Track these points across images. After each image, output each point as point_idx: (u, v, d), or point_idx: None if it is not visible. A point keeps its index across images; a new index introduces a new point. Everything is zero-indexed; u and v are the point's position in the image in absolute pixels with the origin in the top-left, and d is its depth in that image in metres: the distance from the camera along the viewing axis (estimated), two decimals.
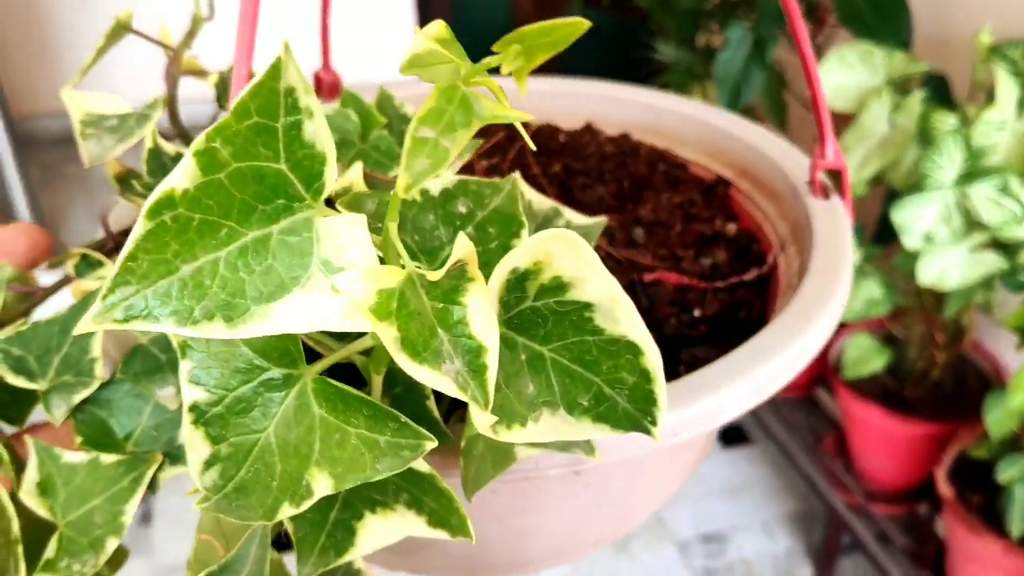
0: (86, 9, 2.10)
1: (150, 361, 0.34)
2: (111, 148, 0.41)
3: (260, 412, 0.23)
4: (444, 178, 0.32)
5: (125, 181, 0.46)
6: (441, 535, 0.26)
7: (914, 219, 0.86)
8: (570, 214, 0.39)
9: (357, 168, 0.37)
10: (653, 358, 0.23)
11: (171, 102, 0.45)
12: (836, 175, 0.44)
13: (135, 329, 0.19)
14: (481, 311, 0.20)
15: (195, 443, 0.23)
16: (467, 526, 0.25)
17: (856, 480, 1.23)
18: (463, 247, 0.21)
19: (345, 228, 0.20)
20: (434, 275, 0.21)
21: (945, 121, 0.82)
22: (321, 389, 0.23)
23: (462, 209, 0.30)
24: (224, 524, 0.34)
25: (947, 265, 0.86)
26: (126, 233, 0.46)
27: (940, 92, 0.92)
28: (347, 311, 0.19)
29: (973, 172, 0.81)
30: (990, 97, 0.84)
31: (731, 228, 0.48)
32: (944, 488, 1.06)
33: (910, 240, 0.86)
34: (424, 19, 1.91)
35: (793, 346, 0.33)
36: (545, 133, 0.56)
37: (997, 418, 0.92)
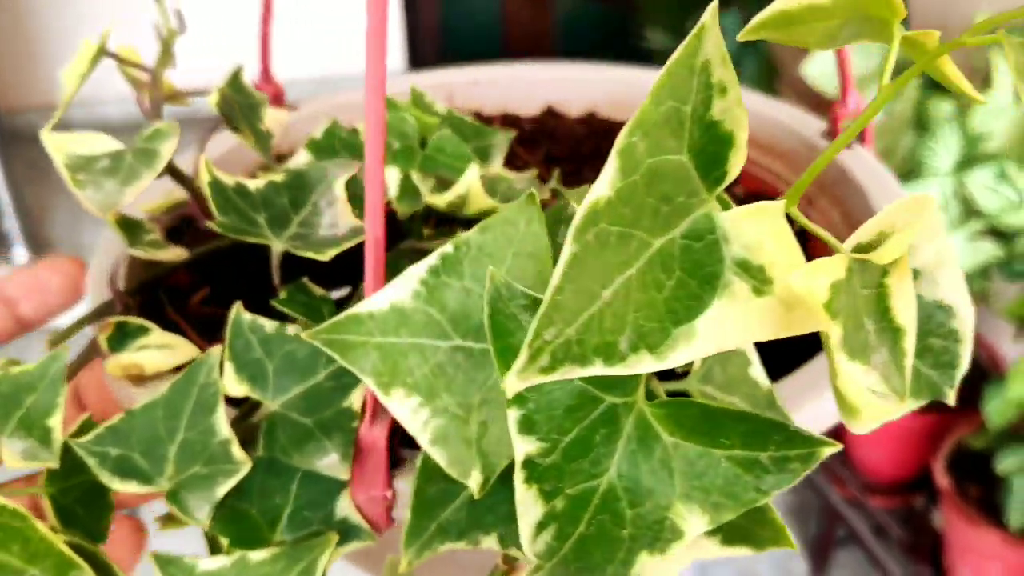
0: (72, 5, 2.08)
1: (295, 428, 0.31)
2: (116, 193, 0.38)
3: (599, 452, 0.21)
4: None
5: (131, 229, 0.43)
6: (740, 552, 0.25)
7: None
8: None
9: (473, 172, 0.35)
10: (965, 317, 0.23)
11: None
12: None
13: (560, 378, 0.17)
14: (904, 291, 0.20)
15: (527, 504, 0.21)
16: (785, 535, 0.25)
17: (851, 472, 1.28)
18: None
19: (755, 221, 0.19)
20: (878, 256, 0.20)
21: (941, 107, 0.88)
22: (672, 413, 0.22)
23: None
24: None
25: None
26: (133, 292, 0.43)
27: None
28: (779, 316, 0.18)
29: (970, 159, 0.86)
30: (986, 83, 0.90)
31: (739, 191, 0.51)
32: (942, 479, 1.11)
33: None
34: (410, 14, 1.90)
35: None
36: (506, 123, 0.57)
37: (996, 408, 0.98)
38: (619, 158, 0.18)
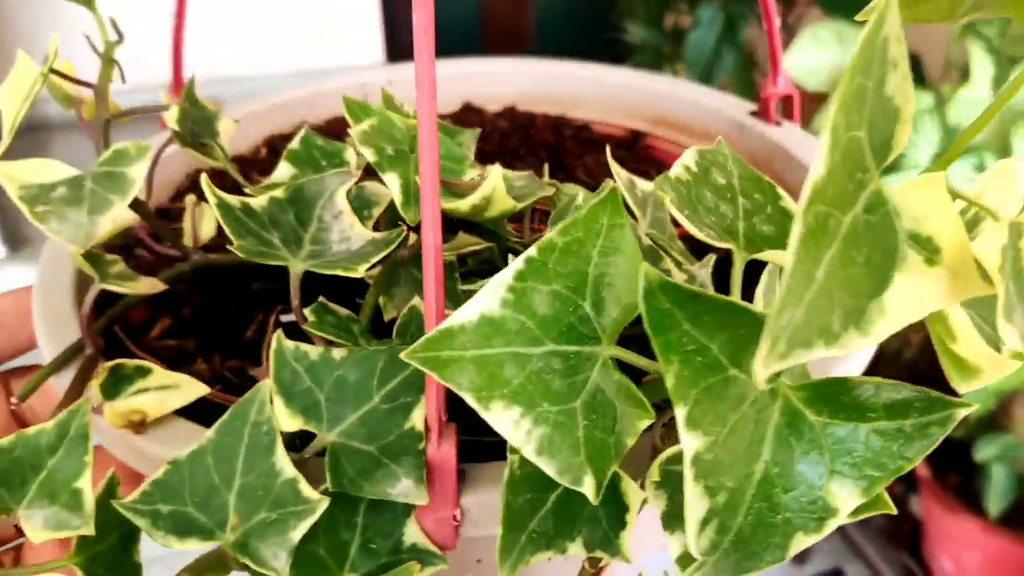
0: (51, 2, 2.01)
1: (360, 458, 0.31)
2: (87, 225, 0.38)
3: (752, 441, 0.23)
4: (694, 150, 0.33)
5: (96, 262, 0.43)
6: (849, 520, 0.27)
7: None
8: None
9: (496, 173, 0.37)
10: None
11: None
12: (785, 102, 0.53)
13: (792, 363, 0.18)
14: None
15: (695, 501, 0.22)
16: (885, 500, 0.27)
17: None
18: None
19: (920, 194, 0.21)
20: None
21: (920, 100, 0.93)
22: (817, 393, 0.24)
23: (721, 180, 0.32)
24: None
25: None
26: (103, 332, 0.43)
27: (913, 71, 1.04)
28: (948, 284, 0.20)
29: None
30: (963, 76, 0.96)
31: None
32: (920, 467, 1.18)
33: None
34: (387, 9, 1.90)
35: None
36: None
37: (974, 397, 1.05)
38: (830, 136, 0.19)
